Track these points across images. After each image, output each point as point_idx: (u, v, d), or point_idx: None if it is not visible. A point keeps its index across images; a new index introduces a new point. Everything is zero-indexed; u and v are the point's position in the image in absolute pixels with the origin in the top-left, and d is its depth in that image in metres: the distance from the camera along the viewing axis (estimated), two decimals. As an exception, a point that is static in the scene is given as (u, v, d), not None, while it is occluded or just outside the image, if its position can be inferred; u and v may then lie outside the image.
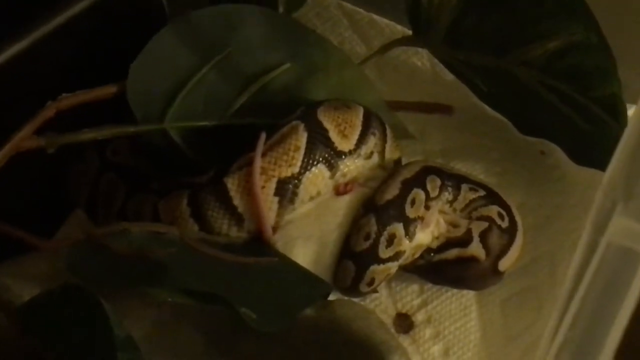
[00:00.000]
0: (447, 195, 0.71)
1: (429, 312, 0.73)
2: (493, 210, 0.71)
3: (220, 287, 0.61)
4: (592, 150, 0.72)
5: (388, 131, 0.71)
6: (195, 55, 0.70)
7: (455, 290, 0.73)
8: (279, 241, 0.67)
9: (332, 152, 0.68)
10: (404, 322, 0.73)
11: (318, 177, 0.67)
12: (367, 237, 0.67)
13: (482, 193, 0.71)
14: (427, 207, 0.69)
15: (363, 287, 0.68)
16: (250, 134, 0.68)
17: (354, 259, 0.68)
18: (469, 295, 0.73)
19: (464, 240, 0.69)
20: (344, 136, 0.69)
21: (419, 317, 0.73)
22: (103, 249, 0.62)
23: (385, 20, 0.83)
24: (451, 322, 0.73)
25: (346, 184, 0.69)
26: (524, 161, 0.78)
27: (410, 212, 0.68)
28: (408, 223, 0.68)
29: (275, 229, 0.67)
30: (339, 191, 0.69)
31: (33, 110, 0.67)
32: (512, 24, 0.72)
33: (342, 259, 0.68)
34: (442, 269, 0.70)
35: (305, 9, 0.79)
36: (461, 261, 0.69)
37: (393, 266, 0.68)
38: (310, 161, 0.67)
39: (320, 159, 0.67)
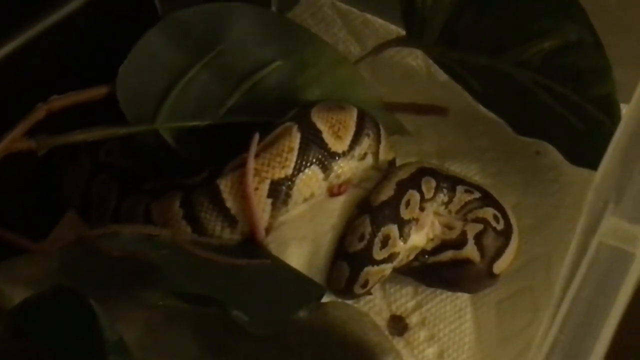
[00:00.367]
0: (442, 197, 0.70)
1: (423, 314, 0.73)
2: (488, 212, 0.70)
3: (212, 289, 0.60)
4: (587, 150, 0.72)
5: (382, 132, 0.71)
6: (186, 54, 0.70)
7: (449, 292, 0.73)
8: (272, 243, 0.66)
9: (325, 154, 0.67)
10: (398, 324, 0.73)
11: (312, 178, 0.67)
12: (362, 238, 0.67)
13: (477, 195, 0.71)
14: (422, 209, 0.69)
15: (357, 289, 0.68)
16: (244, 133, 0.68)
17: (348, 260, 0.67)
18: (463, 297, 0.73)
19: (459, 242, 0.69)
20: (338, 137, 0.68)
21: (413, 319, 0.73)
22: (95, 251, 0.62)
23: (379, 21, 0.83)
24: (446, 324, 0.72)
25: (340, 185, 0.69)
26: (520, 162, 0.78)
27: (405, 213, 0.68)
28: (403, 224, 0.68)
29: (268, 230, 0.67)
30: (332, 192, 0.68)
31: (25, 110, 0.67)
32: (507, 23, 0.72)
33: (336, 260, 0.68)
34: (437, 271, 0.69)
35: (299, 9, 0.78)
36: (456, 263, 0.69)
37: (387, 268, 0.68)
38: (304, 162, 0.67)
39: (314, 161, 0.67)
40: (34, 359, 0.55)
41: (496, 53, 0.72)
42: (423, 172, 0.70)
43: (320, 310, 0.65)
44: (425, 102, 0.77)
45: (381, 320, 0.72)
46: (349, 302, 0.69)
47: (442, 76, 0.78)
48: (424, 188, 0.69)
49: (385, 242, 0.67)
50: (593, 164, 0.70)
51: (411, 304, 0.73)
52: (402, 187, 0.69)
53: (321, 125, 0.68)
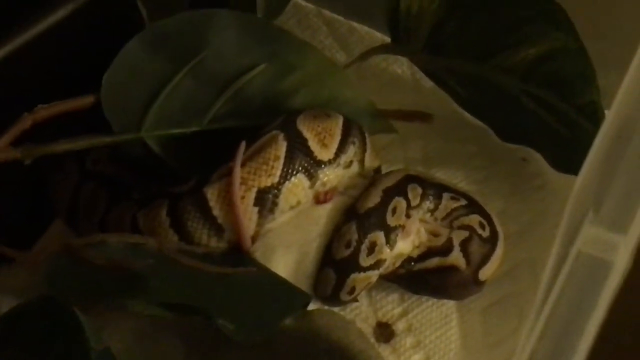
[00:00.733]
0: (429, 204, 0.70)
1: (409, 321, 0.73)
2: (474, 219, 0.70)
3: (198, 298, 0.60)
4: (572, 156, 0.71)
5: (367, 140, 0.71)
6: (169, 62, 0.70)
7: (435, 299, 0.73)
8: (259, 250, 0.67)
9: (311, 162, 0.68)
10: (385, 331, 0.73)
11: (298, 186, 0.67)
12: (348, 245, 0.67)
13: (463, 202, 0.71)
14: (408, 216, 0.69)
15: (344, 296, 0.68)
16: (230, 139, 0.68)
17: (335, 267, 0.67)
18: (449, 303, 0.73)
19: (445, 249, 0.69)
20: (324, 145, 0.68)
21: (399, 326, 0.73)
22: (81, 261, 0.62)
23: (365, 28, 0.83)
24: (432, 331, 0.72)
25: (326, 193, 0.69)
26: (506, 168, 0.78)
27: (391, 220, 0.68)
28: (389, 231, 0.68)
29: (255, 238, 0.67)
30: (319, 200, 0.68)
31: (10, 120, 0.67)
32: (491, 31, 0.72)
33: (323, 267, 0.68)
34: (423, 278, 0.69)
35: (284, 17, 0.78)
36: (442, 270, 0.69)
37: (374, 275, 0.68)
38: (290, 171, 0.67)
39: (300, 169, 0.67)
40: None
41: (481, 60, 0.72)
42: (409, 179, 0.70)
43: (306, 318, 0.65)
44: (411, 109, 0.78)
45: (367, 327, 0.72)
46: (336, 309, 0.69)
47: (428, 83, 0.78)
48: (410, 195, 0.70)
49: (371, 249, 0.67)
50: (577, 171, 0.71)
51: (397, 311, 0.73)
52: (389, 194, 0.69)
53: (307, 133, 0.68)
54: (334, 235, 0.68)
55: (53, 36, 0.70)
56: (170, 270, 0.63)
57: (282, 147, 0.67)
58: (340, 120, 0.70)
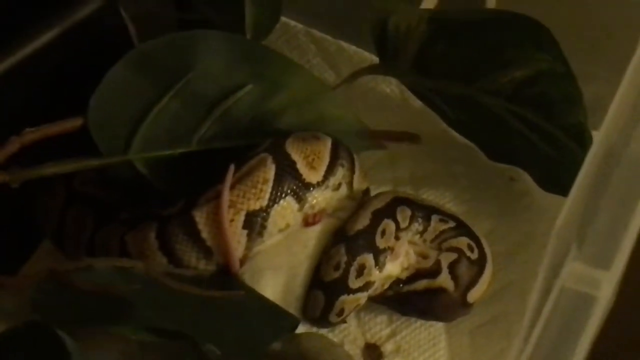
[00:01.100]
0: (417, 226, 0.71)
1: (397, 342, 0.73)
2: (463, 241, 0.71)
3: (185, 323, 0.60)
4: (559, 176, 0.72)
5: (356, 161, 0.71)
6: (155, 84, 0.70)
7: (424, 321, 0.73)
8: (247, 272, 0.67)
9: (300, 185, 0.68)
10: (373, 353, 0.73)
11: (286, 209, 0.67)
12: (337, 267, 0.67)
13: (452, 224, 0.71)
14: (397, 238, 0.69)
15: (333, 317, 0.68)
16: (218, 160, 0.68)
17: (324, 289, 0.67)
18: (437, 325, 0.73)
19: (433, 272, 0.69)
20: (312, 168, 0.68)
21: (388, 347, 0.73)
22: (67, 286, 0.62)
23: (353, 48, 0.83)
24: (420, 353, 0.72)
25: (315, 215, 0.69)
26: (494, 188, 0.78)
27: (380, 242, 0.68)
28: (378, 253, 0.68)
29: (243, 261, 0.67)
30: (307, 222, 0.68)
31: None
32: (479, 52, 0.72)
33: (312, 289, 0.68)
34: (411, 300, 0.70)
35: (273, 36, 0.78)
36: (430, 292, 0.69)
37: (363, 296, 0.68)
38: (279, 194, 0.67)
39: (289, 192, 0.67)
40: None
41: (468, 81, 0.72)
42: (398, 201, 0.70)
43: (293, 341, 0.65)
44: (400, 128, 0.77)
45: (356, 348, 0.72)
46: (324, 330, 0.69)
47: (417, 102, 0.78)
48: (399, 217, 0.70)
49: (360, 271, 0.67)
50: (565, 191, 0.71)
51: (386, 332, 0.73)
52: (378, 217, 0.69)
53: (295, 156, 0.68)
54: (323, 258, 0.68)
55: (41, 58, 0.70)
56: (157, 294, 0.63)
57: (270, 170, 0.67)
58: (328, 143, 0.70)
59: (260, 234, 0.67)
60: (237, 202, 0.66)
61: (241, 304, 0.64)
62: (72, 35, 0.71)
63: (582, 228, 0.45)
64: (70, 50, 0.72)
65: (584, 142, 0.70)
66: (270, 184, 0.67)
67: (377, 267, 0.68)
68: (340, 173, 0.70)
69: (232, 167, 0.66)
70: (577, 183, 0.44)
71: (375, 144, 0.75)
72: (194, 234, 0.66)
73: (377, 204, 0.70)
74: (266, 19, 0.75)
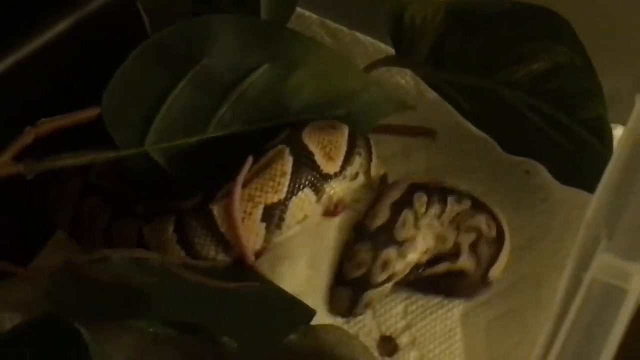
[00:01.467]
0: (435, 210, 0.70)
1: (413, 335, 0.73)
2: (480, 220, 0.71)
3: (201, 315, 0.60)
4: (576, 170, 0.72)
5: (373, 148, 0.71)
6: (169, 73, 0.69)
7: (440, 312, 0.73)
8: (266, 262, 0.66)
9: (317, 176, 0.67)
10: (388, 345, 0.72)
11: (304, 201, 0.67)
12: (361, 265, 0.67)
13: (467, 203, 0.71)
14: (416, 227, 0.69)
15: (360, 310, 0.68)
16: (236, 147, 0.68)
17: (349, 286, 0.67)
18: (453, 317, 0.73)
19: (453, 254, 0.70)
20: (330, 158, 0.68)
21: (403, 340, 0.72)
22: (83, 278, 0.61)
23: (368, 39, 0.83)
24: (436, 345, 0.72)
25: (336, 206, 0.68)
26: (509, 181, 0.78)
27: (400, 235, 0.68)
28: (400, 245, 0.68)
29: (261, 253, 0.66)
30: (328, 213, 0.68)
31: (12, 134, 0.66)
32: (496, 44, 0.72)
33: (337, 286, 0.68)
34: (432, 282, 0.70)
35: (288, 27, 0.78)
36: (451, 274, 0.70)
37: (387, 287, 0.68)
38: (297, 186, 0.67)
39: (307, 184, 0.67)
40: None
41: (485, 74, 0.72)
42: (414, 187, 0.70)
43: (310, 334, 0.65)
44: (415, 120, 0.77)
45: (371, 340, 0.72)
46: (339, 322, 0.69)
47: (432, 94, 0.77)
48: (416, 205, 0.69)
49: (384, 266, 0.67)
50: (581, 184, 0.71)
51: (401, 324, 0.73)
52: (397, 208, 0.69)
53: (313, 147, 0.68)
54: (345, 255, 0.68)
55: (55, 49, 0.70)
56: (174, 286, 0.62)
57: (288, 163, 0.67)
58: (345, 132, 0.70)
59: (279, 226, 0.66)
60: (255, 195, 0.66)
61: (257, 295, 0.64)
62: (87, 26, 0.71)
63: (612, 220, 0.45)
64: (85, 41, 0.72)
65: (604, 137, 0.70)
66: (288, 176, 0.66)
67: (399, 258, 0.68)
68: (357, 162, 0.69)
69: (249, 160, 0.66)
70: (607, 173, 0.43)
71: (401, 105, 0.74)
72: (212, 227, 0.65)
73: (395, 195, 0.69)
74: (281, 10, 0.75)
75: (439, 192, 0.71)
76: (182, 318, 0.59)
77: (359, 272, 0.67)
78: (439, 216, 0.70)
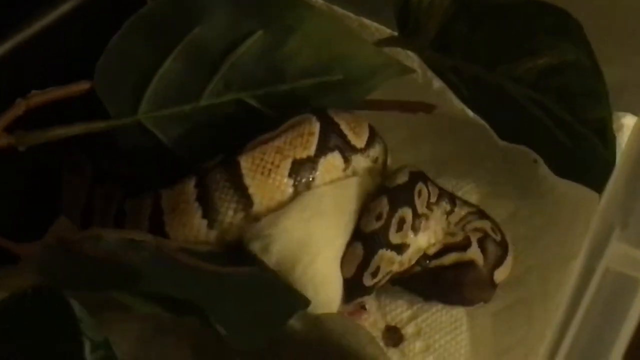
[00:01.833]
0: (445, 205, 0.71)
1: (419, 325, 0.72)
2: (486, 223, 0.71)
3: (195, 297, 0.58)
4: (574, 165, 0.71)
5: (388, 150, 0.71)
6: (161, 44, 0.69)
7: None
8: (294, 210, 0.65)
9: (345, 144, 0.67)
10: (394, 335, 0.72)
11: (332, 164, 0.66)
12: (379, 217, 0.66)
13: (473, 209, 0.72)
14: (429, 208, 0.69)
15: (366, 278, 0.67)
16: (230, 116, 0.67)
17: (364, 240, 0.66)
18: (459, 307, 0.72)
19: (463, 245, 0.69)
20: (355, 133, 0.68)
21: (408, 330, 0.72)
22: (77, 254, 0.61)
23: (375, 24, 0.82)
24: (441, 335, 0.72)
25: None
26: (516, 171, 0.77)
27: (417, 202, 0.68)
28: (416, 212, 0.67)
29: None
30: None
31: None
32: (502, 37, 0.71)
33: (352, 242, 0.67)
34: (439, 276, 0.69)
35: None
36: (459, 266, 0.69)
37: (397, 260, 0.67)
38: (326, 146, 0.66)
39: (335, 147, 0.67)
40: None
41: (489, 65, 0.71)
42: (426, 177, 0.70)
43: (316, 323, 0.64)
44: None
45: (376, 331, 0.71)
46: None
47: (439, 82, 0.77)
48: (430, 188, 0.69)
49: (400, 226, 0.66)
50: (579, 178, 0.71)
51: (406, 315, 0.72)
52: (414, 177, 0.68)
53: (338, 120, 0.68)
54: (364, 211, 0.67)
55: (57, 30, 0.69)
56: (168, 267, 0.61)
57: (315, 126, 0.66)
58: (367, 123, 0.70)
59: (308, 186, 0.65)
60: (284, 148, 0.65)
61: (253, 281, 0.63)
62: (91, 7, 0.70)
63: (625, 208, 0.44)
64: (87, 21, 0.71)
65: (606, 139, 0.69)
66: (317, 137, 0.66)
67: (413, 228, 0.67)
68: (378, 148, 0.69)
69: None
70: (620, 162, 0.43)
71: (402, 70, 0.73)
72: (236, 180, 0.64)
73: (412, 168, 0.69)
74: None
75: (447, 192, 0.71)
76: (174, 295, 0.57)
77: (376, 225, 0.66)
78: (448, 214, 0.71)
